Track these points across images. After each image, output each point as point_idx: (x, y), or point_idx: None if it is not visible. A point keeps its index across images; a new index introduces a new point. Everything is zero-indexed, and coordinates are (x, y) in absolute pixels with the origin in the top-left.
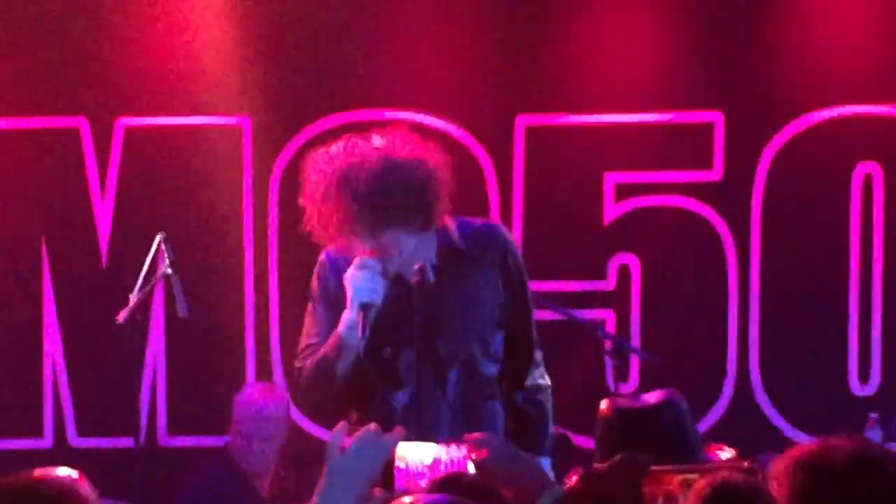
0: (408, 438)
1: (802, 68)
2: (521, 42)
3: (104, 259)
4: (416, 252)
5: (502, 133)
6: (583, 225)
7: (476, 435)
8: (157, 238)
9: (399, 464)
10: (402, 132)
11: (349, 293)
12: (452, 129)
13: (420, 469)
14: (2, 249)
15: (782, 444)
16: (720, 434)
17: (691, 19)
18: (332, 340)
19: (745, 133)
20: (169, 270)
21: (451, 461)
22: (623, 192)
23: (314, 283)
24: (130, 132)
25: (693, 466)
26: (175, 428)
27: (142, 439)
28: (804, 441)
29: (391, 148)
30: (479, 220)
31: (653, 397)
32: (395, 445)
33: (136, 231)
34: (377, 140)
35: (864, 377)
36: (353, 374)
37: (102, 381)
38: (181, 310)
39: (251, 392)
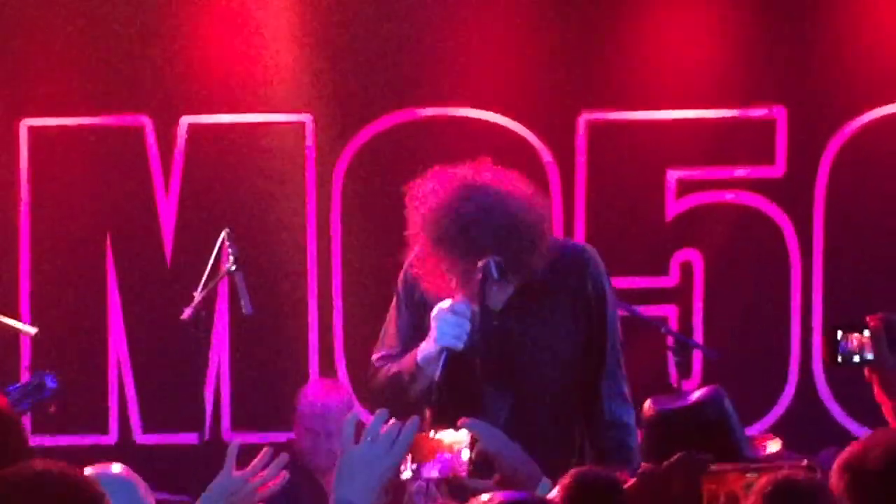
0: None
1: (866, 63)
2: (584, 39)
3: (168, 257)
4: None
5: (565, 130)
6: (645, 221)
7: (467, 420)
8: (222, 235)
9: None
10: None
11: (433, 332)
12: (515, 126)
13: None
14: (67, 247)
15: (846, 439)
16: (783, 429)
17: (754, 15)
18: (408, 362)
19: (807, 128)
20: (233, 267)
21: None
22: (685, 188)
23: (399, 286)
24: (194, 130)
25: (752, 465)
26: (239, 424)
27: (206, 435)
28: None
29: (504, 177)
30: (564, 245)
31: (696, 395)
32: (411, 437)
33: (200, 228)
34: (486, 169)
35: None
36: (423, 398)
37: (167, 377)
38: (245, 306)
39: (316, 388)
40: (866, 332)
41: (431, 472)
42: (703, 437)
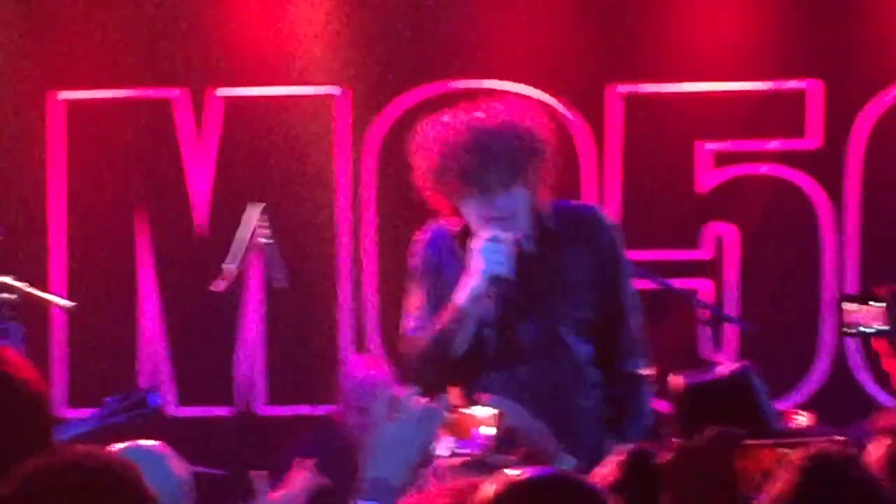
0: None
1: None
2: (616, 11)
3: (203, 228)
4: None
5: (598, 102)
6: (678, 193)
7: (490, 396)
8: (255, 209)
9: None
10: (512, 102)
11: (478, 264)
12: (548, 98)
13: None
14: (102, 219)
15: (878, 412)
16: (815, 403)
17: None
18: (450, 313)
19: (842, 101)
20: (267, 241)
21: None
22: (719, 160)
23: (413, 261)
24: (227, 102)
25: (785, 440)
26: (273, 397)
27: (240, 408)
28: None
29: (518, 109)
30: (575, 203)
31: (724, 369)
32: (443, 414)
33: (234, 201)
34: (489, 107)
35: None
36: (469, 347)
37: (201, 351)
38: (279, 280)
39: (358, 367)
40: (878, 303)
41: (466, 448)
42: (732, 410)
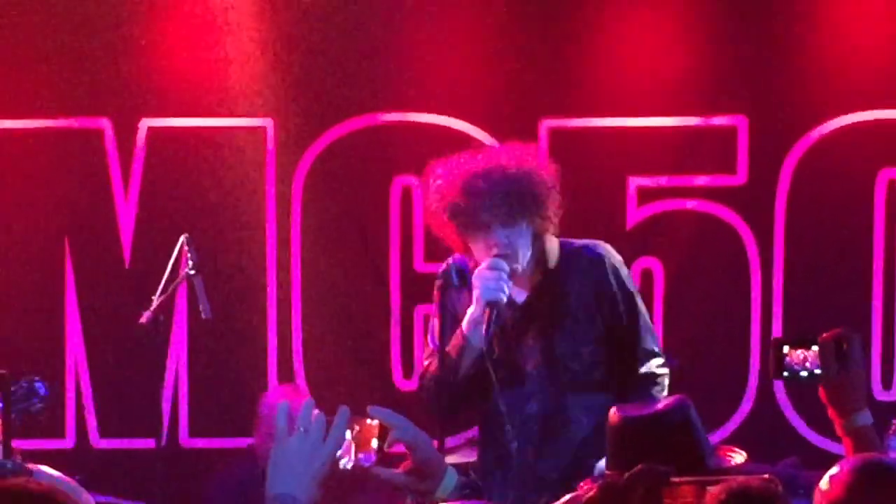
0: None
1: (826, 73)
2: (545, 46)
3: (127, 260)
4: (523, 267)
5: (526, 136)
6: (605, 229)
7: (376, 407)
8: (181, 239)
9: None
10: (531, 149)
11: (476, 291)
12: (476, 132)
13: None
14: (26, 250)
15: (804, 449)
16: (742, 438)
17: (716, 24)
18: (455, 341)
19: (768, 138)
20: (192, 272)
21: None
22: (646, 196)
23: (435, 295)
24: (154, 133)
25: (711, 478)
26: (197, 429)
27: (163, 440)
28: (825, 446)
29: (521, 153)
30: (579, 242)
31: (661, 403)
32: (345, 426)
33: (160, 232)
34: (497, 150)
35: (886, 383)
36: (474, 372)
37: (125, 382)
38: (204, 311)
39: (277, 393)
40: (814, 347)
41: (367, 461)
42: (668, 445)
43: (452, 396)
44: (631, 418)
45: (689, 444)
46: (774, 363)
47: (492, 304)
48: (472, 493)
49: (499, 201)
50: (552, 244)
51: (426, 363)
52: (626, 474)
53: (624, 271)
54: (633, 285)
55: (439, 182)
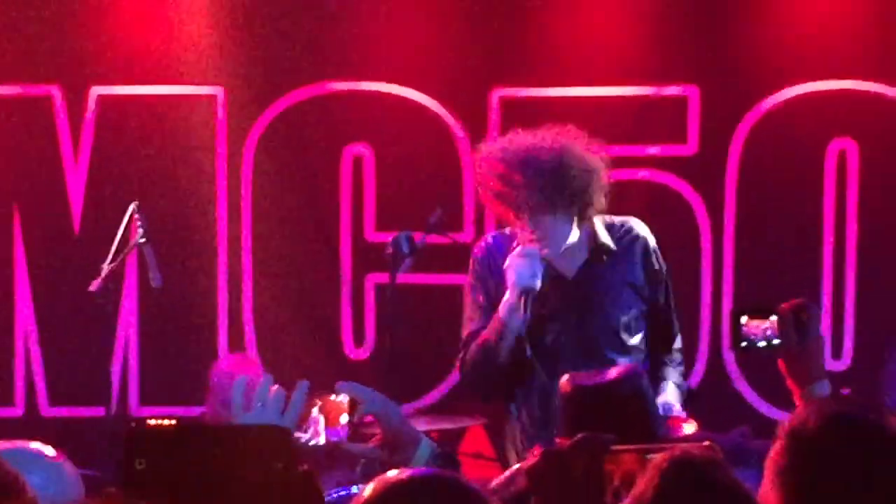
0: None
1: (778, 43)
2: (497, 15)
3: (77, 228)
4: (571, 246)
5: (477, 106)
6: None
7: (343, 383)
8: (131, 207)
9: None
10: (572, 129)
11: (510, 278)
12: (427, 101)
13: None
14: None
15: (754, 419)
16: (692, 409)
17: None
18: (493, 325)
19: (720, 107)
20: (142, 240)
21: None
22: None
23: (470, 275)
24: (104, 101)
25: (652, 446)
26: (147, 398)
27: (113, 409)
28: (775, 415)
29: (567, 138)
30: (619, 219)
31: (613, 372)
32: (303, 401)
33: (109, 200)
34: (549, 131)
35: (836, 353)
36: (513, 356)
37: (74, 350)
38: (154, 280)
39: (228, 362)
40: (772, 317)
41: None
42: (619, 414)
43: (491, 376)
44: (583, 387)
45: (639, 413)
46: (732, 333)
47: (526, 291)
48: (448, 462)
49: (533, 192)
50: (598, 222)
51: (466, 341)
52: (568, 442)
53: (659, 250)
54: (665, 264)
55: (480, 163)
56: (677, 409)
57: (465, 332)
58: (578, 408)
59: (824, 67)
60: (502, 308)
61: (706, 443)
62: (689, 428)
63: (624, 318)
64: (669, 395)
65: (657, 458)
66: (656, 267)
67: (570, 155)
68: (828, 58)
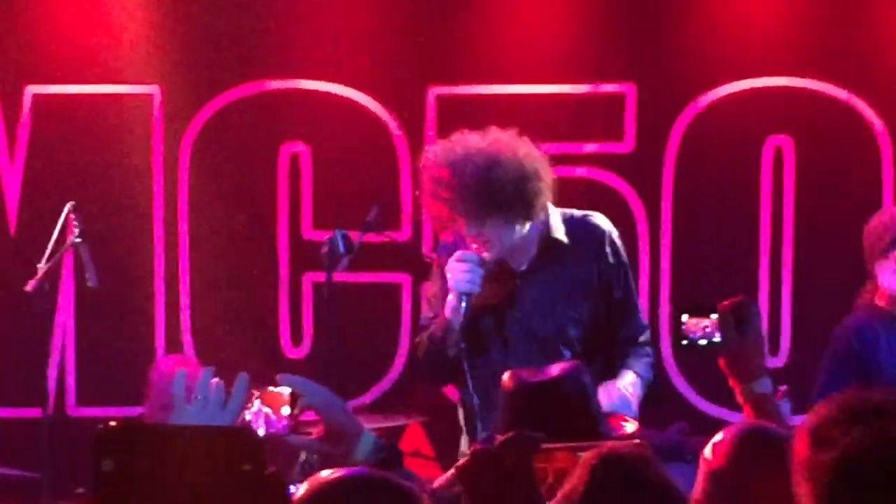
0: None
1: (714, 41)
2: (434, 13)
3: (12, 228)
4: (520, 242)
5: (414, 104)
6: None
7: (285, 375)
8: (67, 207)
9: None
10: (508, 133)
11: (449, 282)
12: (364, 99)
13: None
14: None
15: (691, 416)
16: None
17: None
18: (440, 322)
19: (657, 105)
20: (78, 239)
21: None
22: None
23: (433, 255)
24: (39, 100)
25: (583, 444)
26: (84, 398)
27: (50, 410)
28: (711, 411)
29: (497, 146)
30: (579, 213)
31: (555, 369)
32: (244, 394)
33: (46, 200)
34: (484, 137)
35: (773, 349)
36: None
37: (10, 351)
38: (90, 279)
39: (168, 363)
40: (713, 316)
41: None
42: (561, 411)
43: (442, 368)
44: (525, 383)
45: (581, 410)
46: (673, 332)
47: (465, 295)
48: (391, 454)
49: (464, 199)
50: (554, 215)
51: (421, 333)
52: (498, 440)
53: (620, 244)
54: (627, 263)
55: (422, 165)
56: (629, 393)
57: (420, 322)
58: (520, 404)
59: (760, 64)
60: (446, 308)
61: (636, 440)
62: (630, 426)
63: (573, 314)
64: (625, 380)
65: (587, 455)
66: (611, 261)
67: (499, 162)
68: (764, 55)
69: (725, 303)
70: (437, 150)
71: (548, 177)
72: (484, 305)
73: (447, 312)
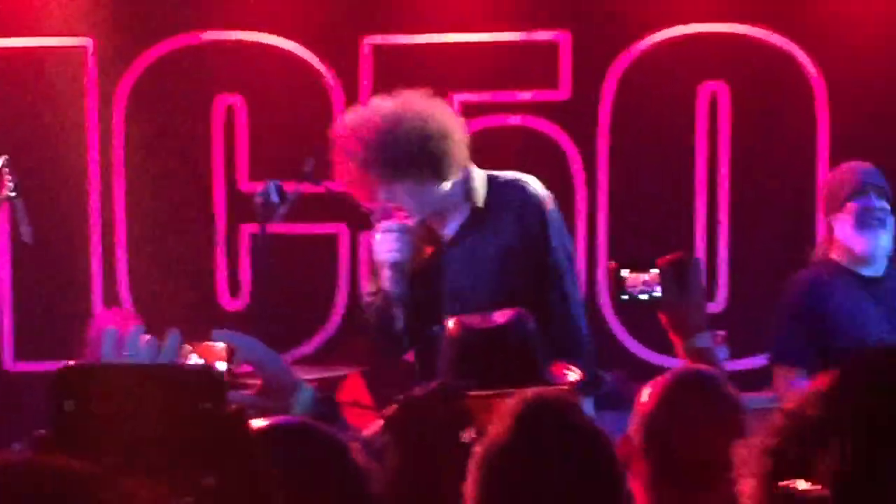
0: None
1: None
2: None
3: None
4: (443, 206)
5: (349, 53)
6: None
7: (220, 331)
8: (0, 161)
9: None
10: (418, 93)
11: (377, 256)
12: (298, 49)
13: None
14: None
15: (633, 364)
16: None
17: None
18: (382, 294)
19: (591, 52)
20: (12, 194)
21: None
22: (470, 111)
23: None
24: None
25: (510, 391)
26: (22, 353)
27: None
28: (651, 359)
29: (400, 106)
30: (505, 176)
31: (500, 317)
32: (175, 350)
33: None
34: (392, 99)
35: (710, 295)
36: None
37: None
38: (25, 235)
39: (106, 317)
40: (653, 270)
41: None
42: (505, 358)
43: (392, 338)
44: (470, 330)
45: (525, 357)
46: (614, 286)
47: (395, 265)
48: (329, 406)
49: (370, 161)
50: (479, 179)
51: (366, 301)
52: (424, 390)
53: (550, 208)
54: (559, 226)
55: (333, 133)
56: None
57: (365, 290)
58: (465, 351)
59: (696, 10)
60: (383, 281)
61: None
62: (573, 375)
63: (500, 280)
64: None
65: (512, 400)
66: (535, 229)
67: (400, 122)
68: (699, 1)
69: (666, 258)
70: (344, 118)
71: (458, 136)
72: (417, 273)
73: (384, 285)
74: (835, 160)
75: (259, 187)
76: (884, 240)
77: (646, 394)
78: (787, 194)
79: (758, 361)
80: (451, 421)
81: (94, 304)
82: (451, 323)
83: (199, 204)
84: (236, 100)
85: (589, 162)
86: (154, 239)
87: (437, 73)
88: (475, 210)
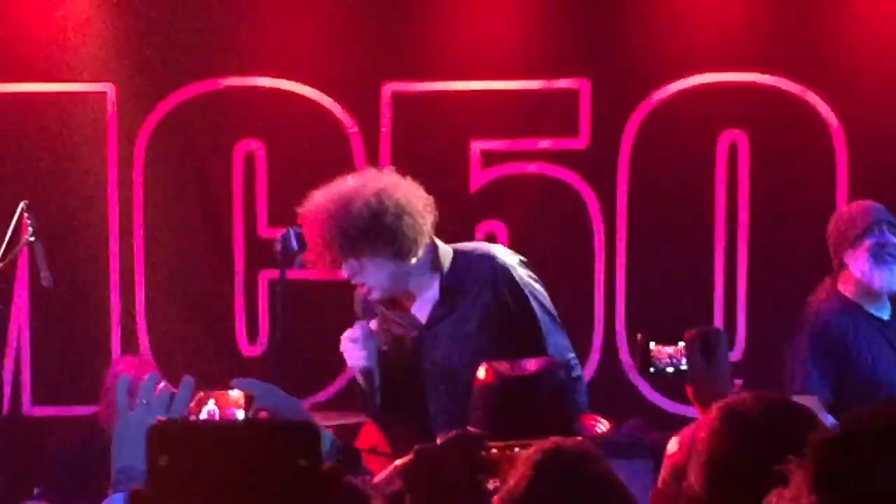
0: None
1: (668, 36)
2: (388, 9)
3: None
4: (407, 285)
5: (369, 100)
6: (449, 192)
7: (239, 379)
8: (20, 206)
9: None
10: (381, 173)
11: (348, 362)
12: (318, 96)
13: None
14: None
15: (647, 410)
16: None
17: None
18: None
19: (611, 101)
20: (32, 239)
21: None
22: (490, 159)
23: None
24: None
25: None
26: (40, 397)
27: (6, 408)
28: (668, 407)
29: (361, 182)
30: (473, 252)
31: (532, 365)
32: (188, 397)
33: (1, 200)
34: (354, 178)
35: (729, 345)
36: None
37: None
38: (45, 279)
39: (123, 364)
40: (680, 343)
41: None
42: (537, 407)
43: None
44: (502, 377)
45: (556, 406)
46: (641, 359)
47: (365, 371)
48: (348, 454)
49: (326, 237)
50: (445, 257)
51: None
52: (441, 440)
53: (518, 274)
54: (530, 287)
55: (300, 215)
56: None
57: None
58: (499, 398)
59: (714, 59)
60: (359, 379)
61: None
62: (603, 426)
63: (496, 352)
64: None
65: (530, 450)
66: (506, 298)
67: (353, 199)
68: (717, 50)
69: (692, 331)
70: (312, 195)
71: (417, 215)
72: (397, 362)
73: (361, 382)
74: None
75: (278, 233)
76: None
77: (675, 443)
78: (805, 243)
79: None
80: (467, 470)
81: (113, 349)
82: (482, 372)
83: (219, 249)
84: (256, 146)
85: (608, 210)
86: (173, 284)
87: (457, 120)
88: (446, 289)
